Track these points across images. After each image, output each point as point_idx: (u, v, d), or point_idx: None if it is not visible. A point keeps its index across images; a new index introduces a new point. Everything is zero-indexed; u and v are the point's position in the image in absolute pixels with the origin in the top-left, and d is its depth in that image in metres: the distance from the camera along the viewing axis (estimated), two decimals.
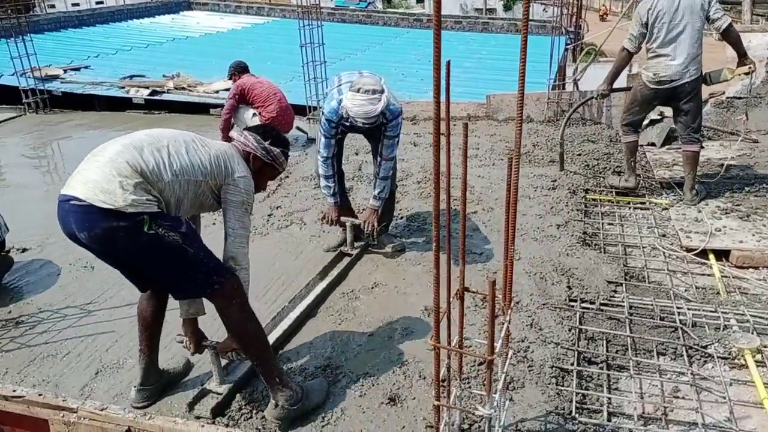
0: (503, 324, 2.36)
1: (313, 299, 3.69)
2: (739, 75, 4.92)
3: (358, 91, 3.57)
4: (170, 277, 2.54)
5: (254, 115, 6.55)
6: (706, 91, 6.14)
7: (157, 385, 2.93)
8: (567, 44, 10.96)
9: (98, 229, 2.32)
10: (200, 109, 8.80)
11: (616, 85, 5.22)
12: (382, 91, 3.57)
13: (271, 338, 3.24)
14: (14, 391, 2.98)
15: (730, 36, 4.63)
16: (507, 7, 36.51)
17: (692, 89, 4.70)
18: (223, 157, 2.64)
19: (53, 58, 10.91)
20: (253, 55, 11.69)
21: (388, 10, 21.76)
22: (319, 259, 4.25)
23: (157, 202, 2.39)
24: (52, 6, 30.57)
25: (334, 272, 4.03)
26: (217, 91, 9.13)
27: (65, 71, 10.17)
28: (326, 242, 4.47)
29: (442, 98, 1.88)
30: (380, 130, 3.85)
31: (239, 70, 6.59)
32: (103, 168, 2.37)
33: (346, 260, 4.14)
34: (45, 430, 2.97)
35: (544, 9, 32.39)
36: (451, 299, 2.43)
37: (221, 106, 8.72)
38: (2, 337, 3.46)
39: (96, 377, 3.10)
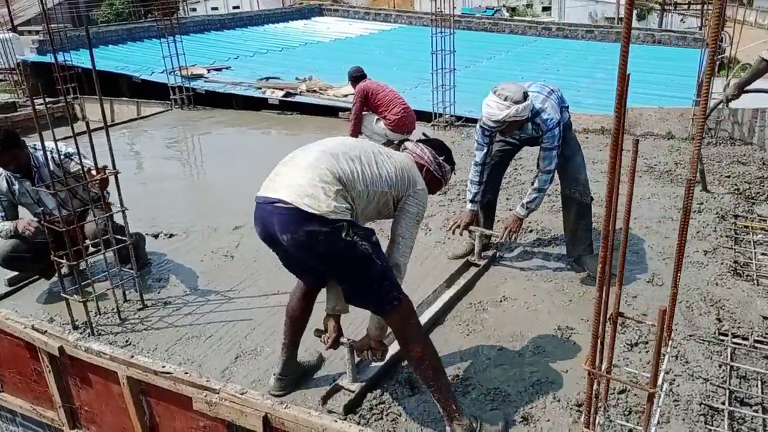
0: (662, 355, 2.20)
1: (441, 307, 3.67)
2: None
3: (494, 92, 3.54)
4: (355, 285, 2.58)
5: (378, 120, 6.67)
6: None
7: (294, 376, 3.03)
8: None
9: (302, 233, 2.38)
10: (329, 111, 9.08)
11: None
12: (518, 102, 3.46)
13: None
14: (163, 367, 3.20)
15: None
16: (641, 17, 34.71)
17: None
18: (407, 169, 2.71)
19: (197, 58, 11.72)
20: (380, 60, 11.94)
21: (515, 18, 21.39)
22: (444, 266, 4.23)
23: (351, 210, 2.49)
24: (194, 9, 33.01)
25: (461, 281, 3.98)
26: (345, 95, 9.39)
27: (208, 71, 10.90)
28: (451, 250, 4.44)
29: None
30: (539, 142, 3.77)
31: (357, 76, 6.76)
32: (305, 173, 2.47)
33: (473, 270, 4.08)
34: (188, 407, 3.16)
35: (681, 20, 30.48)
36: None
37: (349, 109, 9.00)
38: (152, 316, 3.74)
39: (236, 362, 3.26)
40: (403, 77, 10.44)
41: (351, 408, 2.85)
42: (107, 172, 3.60)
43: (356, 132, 6.68)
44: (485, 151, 3.96)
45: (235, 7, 33.06)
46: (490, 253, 4.23)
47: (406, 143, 2.98)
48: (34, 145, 3.90)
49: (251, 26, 16.60)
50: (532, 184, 3.81)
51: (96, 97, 10.10)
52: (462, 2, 28.62)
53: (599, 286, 1.97)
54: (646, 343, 3.27)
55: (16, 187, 3.86)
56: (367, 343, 2.80)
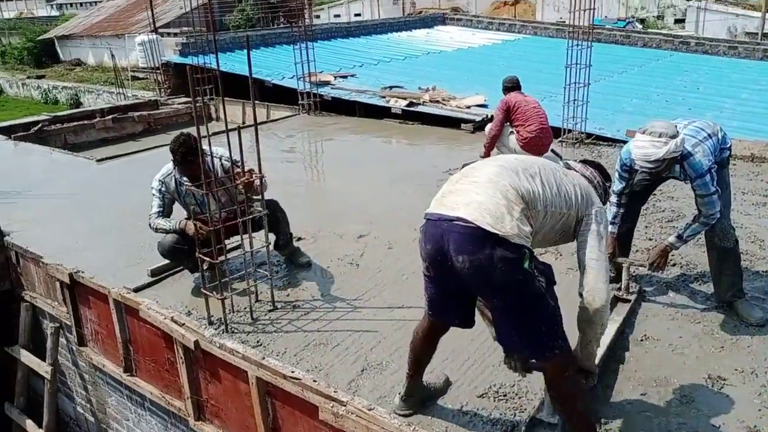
0: None
1: (604, 351, 3.38)
2: None
3: (643, 132, 3.33)
4: (520, 324, 2.38)
5: (511, 133, 6.51)
6: None
7: (418, 397, 2.96)
8: None
9: (481, 255, 2.23)
10: (452, 122, 8.99)
11: None
12: (673, 137, 3.22)
13: None
14: (293, 372, 3.25)
15: None
16: None
17: None
18: (585, 189, 2.59)
19: (323, 64, 12.03)
20: (504, 72, 11.64)
21: (650, 30, 20.27)
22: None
23: (531, 237, 2.36)
24: (317, 16, 34.26)
25: (617, 318, 3.58)
26: (468, 107, 9.28)
27: (335, 78, 11.18)
28: None
29: None
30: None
31: (509, 86, 6.62)
32: (486, 189, 2.35)
33: (622, 306, 3.73)
34: (312, 415, 3.18)
35: None
36: None
37: (472, 121, 8.87)
38: (282, 318, 3.81)
39: (362, 374, 3.24)
40: (528, 90, 10.10)
41: None
42: (254, 175, 3.73)
43: (492, 146, 6.56)
44: (626, 183, 3.76)
45: (356, 14, 33.91)
46: (635, 287, 3.92)
47: (571, 163, 2.82)
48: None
49: (375, 34, 16.87)
50: (694, 220, 3.51)
51: (230, 99, 10.63)
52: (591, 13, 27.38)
53: None
54: None
55: (184, 188, 4.06)
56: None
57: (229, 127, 3.71)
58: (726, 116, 8.82)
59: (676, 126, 3.35)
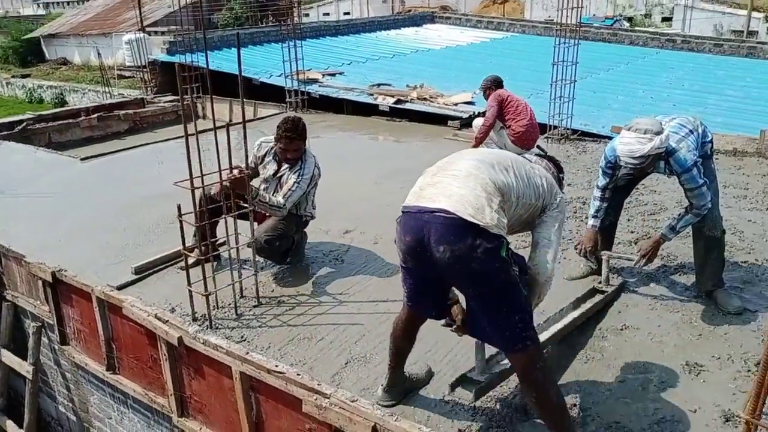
0: None
1: (557, 332, 3.46)
2: None
3: (629, 129, 3.39)
4: (494, 312, 2.44)
5: (501, 128, 6.54)
6: None
7: (401, 387, 2.98)
8: None
9: (462, 244, 2.30)
10: (439, 120, 9.02)
11: None
12: (657, 133, 3.28)
13: None
14: (276, 366, 3.26)
15: None
16: None
17: None
18: (549, 180, 2.71)
19: (312, 63, 12.03)
20: (492, 70, 11.67)
21: (637, 29, 20.42)
22: (561, 286, 3.98)
23: (507, 228, 2.42)
24: (306, 15, 34.17)
25: (587, 305, 3.66)
26: (456, 104, 9.31)
27: (323, 76, 11.17)
28: (567, 271, 4.23)
29: None
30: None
31: (495, 84, 6.64)
32: (466, 182, 2.41)
33: (598, 297, 3.80)
34: (296, 408, 3.19)
35: None
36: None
37: (459, 118, 8.90)
38: (267, 313, 3.82)
39: (345, 367, 3.27)
40: (516, 87, 10.12)
41: (480, 394, 2.81)
42: (242, 172, 3.74)
43: (483, 140, 6.58)
44: (609, 179, 3.81)
45: (345, 13, 33.83)
46: (618, 281, 3.96)
47: (528, 156, 2.91)
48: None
49: (364, 33, 16.87)
50: (686, 211, 3.58)
51: (217, 97, 10.59)
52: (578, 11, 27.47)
53: None
54: None
55: (269, 160, 4.22)
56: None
57: (217, 125, 3.71)
58: (710, 112, 8.91)
59: (660, 123, 3.40)
